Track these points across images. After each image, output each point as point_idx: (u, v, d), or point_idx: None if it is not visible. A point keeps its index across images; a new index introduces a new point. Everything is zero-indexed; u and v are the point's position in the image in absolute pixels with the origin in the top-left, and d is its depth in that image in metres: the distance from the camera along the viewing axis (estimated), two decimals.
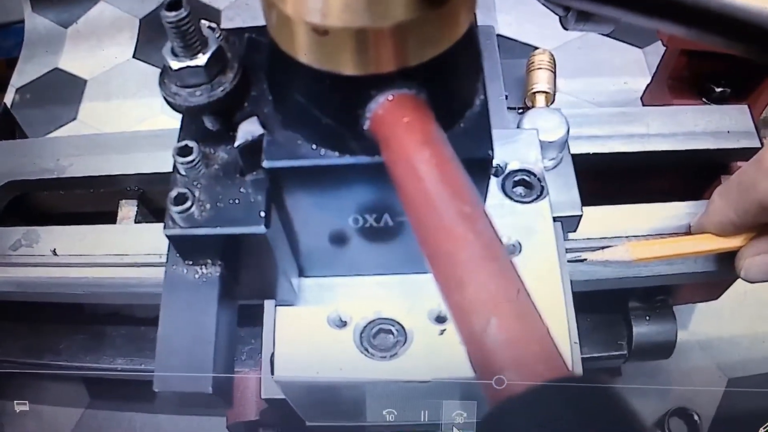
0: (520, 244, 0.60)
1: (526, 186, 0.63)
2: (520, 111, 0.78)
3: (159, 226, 0.49)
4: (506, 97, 0.80)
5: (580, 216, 0.74)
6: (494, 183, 0.62)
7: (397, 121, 0.41)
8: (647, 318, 0.87)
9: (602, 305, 0.88)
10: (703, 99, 1.17)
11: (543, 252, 0.60)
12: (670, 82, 1.17)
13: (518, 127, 0.74)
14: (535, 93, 0.80)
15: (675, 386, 1.11)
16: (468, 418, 0.70)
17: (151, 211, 0.89)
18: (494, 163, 0.60)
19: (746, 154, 0.87)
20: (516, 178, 0.62)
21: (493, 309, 0.33)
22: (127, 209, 0.86)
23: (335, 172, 0.47)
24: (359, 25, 0.37)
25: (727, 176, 0.91)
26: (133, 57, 1.43)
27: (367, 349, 0.58)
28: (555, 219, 0.72)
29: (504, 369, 0.32)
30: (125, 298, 0.79)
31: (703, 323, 1.15)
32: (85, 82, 1.39)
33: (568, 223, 0.74)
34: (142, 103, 1.32)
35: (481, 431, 0.32)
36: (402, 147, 0.39)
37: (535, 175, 0.62)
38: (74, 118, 1.34)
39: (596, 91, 1.31)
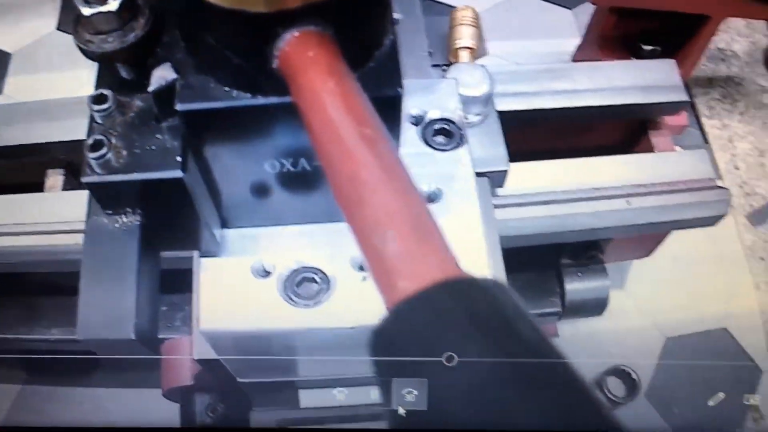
0: (440, 191, 0.60)
1: (446, 135, 0.63)
2: (445, 68, 0.78)
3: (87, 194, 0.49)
4: (430, 53, 0.80)
5: (507, 171, 0.75)
6: (415, 132, 0.62)
7: (303, 56, 0.41)
8: (579, 274, 0.88)
9: (534, 262, 0.88)
10: (633, 58, 1.18)
11: (463, 198, 0.61)
12: (599, 41, 1.18)
13: None
14: (458, 49, 0.80)
15: (612, 346, 1.12)
16: (419, 395, 0.71)
17: (79, 180, 0.88)
18: (414, 112, 0.61)
19: (673, 108, 0.89)
20: (436, 127, 0.63)
21: (390, 223, 0.33)
22: (54, 178, 0.85)
23: (248, 114, 0.47)
24: None
25: (655, 132, 0.92)
26: (57, 29, 1.41)
27: (291, 298, 0.58)
28: (482, 174, 0.73)
29: (401, 278, 0.32)
30: (55, 266, 0.78)
31: (639, 283, 1.17)
32: (9, 55, 1.37)
33: (495, 178, 0.74)
34: (69, 75, 1.29)
35: (379, 343, 0.33)
36: (307, 80, 0.40)
37: (454, 124, 0.63)
38: (0, 93, 1.32)
39: (526, 53, 1.32)
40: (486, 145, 0.75)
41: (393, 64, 0.47)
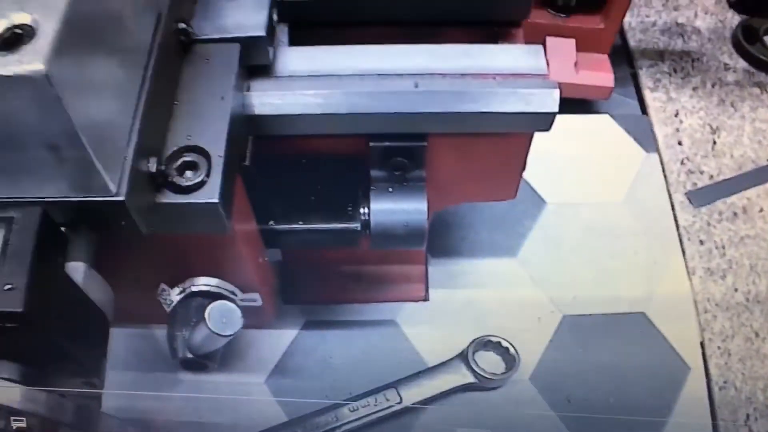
0: None
1: None
2: None
3: None
4: None
5: (262, 37, 0.66)
6: None
7: None
8: (390, 190, 0.74)
9: (340, 172, 0.76)
10: (549, 10, 1.07)
11: None
12: None
13: None
14: None
15: (493, 318, 0.97)
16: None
17: None
18: None
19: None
20: None
21: None
22: None
23: None
24: None
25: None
26: None
27: None
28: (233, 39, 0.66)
29: None
30: None
31: (538, 252, 1.02)
32: None
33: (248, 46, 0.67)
34: None
35: None
36: None
37: None
38: None
39: None
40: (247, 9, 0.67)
41: None
